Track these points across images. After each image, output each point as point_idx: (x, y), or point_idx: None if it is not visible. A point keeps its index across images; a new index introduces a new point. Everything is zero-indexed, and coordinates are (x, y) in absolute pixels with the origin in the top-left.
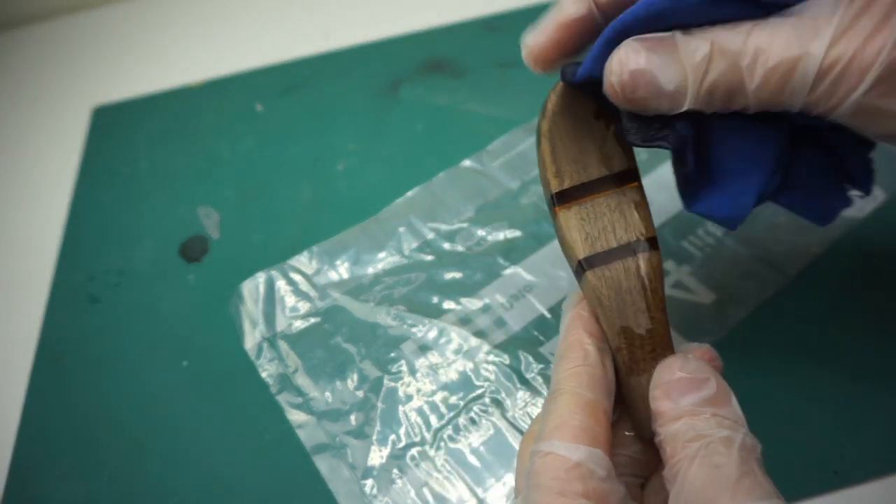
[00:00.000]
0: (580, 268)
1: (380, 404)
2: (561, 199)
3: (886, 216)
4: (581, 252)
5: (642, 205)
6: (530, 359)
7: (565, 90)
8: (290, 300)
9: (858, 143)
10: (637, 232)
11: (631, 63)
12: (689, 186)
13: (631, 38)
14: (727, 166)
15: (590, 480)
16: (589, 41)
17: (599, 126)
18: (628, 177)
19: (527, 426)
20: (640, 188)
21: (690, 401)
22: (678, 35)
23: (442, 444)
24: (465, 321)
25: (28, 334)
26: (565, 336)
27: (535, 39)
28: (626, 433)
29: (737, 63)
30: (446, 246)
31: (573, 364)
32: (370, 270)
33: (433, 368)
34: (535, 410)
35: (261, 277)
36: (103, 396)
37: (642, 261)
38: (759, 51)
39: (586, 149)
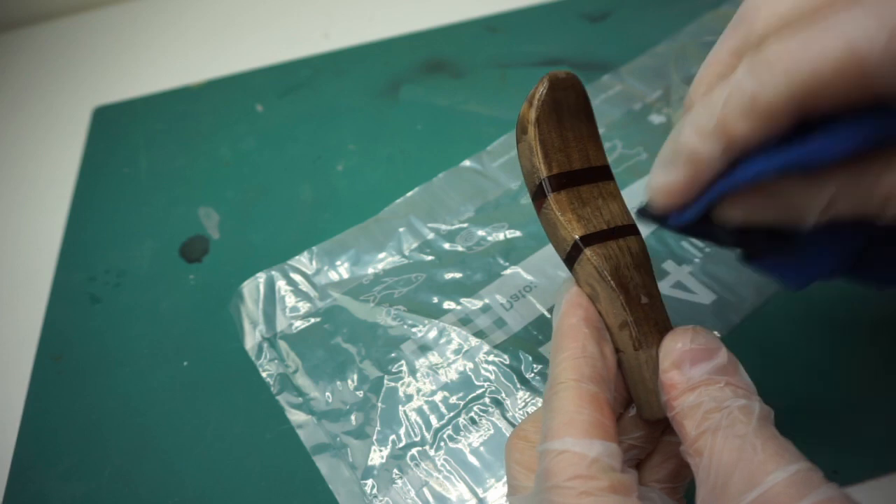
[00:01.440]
0: (576, 248)
1: (380, 404)
2: (551, 184)
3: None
4: (578, 230)
5: (619, 198)
6: (530, 359)
7: (553, 83)
8: (291, 300)
9: None
10: (621, 219)
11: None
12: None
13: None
14: (808, 252)
15: (611, 474)
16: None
17: (579, 122)
18: (605, 173)
19: None
20: (615, 184)
21: (703, 371)
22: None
23: (442, 444)
24: (465, 321)
25: (29, 334)
26: (560, 324)
27: (667, 177)
28: (629, 417)
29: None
30: (446, 246)
31: (572, 355)
32: (370, 270)
33: (433, 368)
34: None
35: (261, 277)
36: (103, 396)
37: (632, 242)
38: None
39: (568, 141)
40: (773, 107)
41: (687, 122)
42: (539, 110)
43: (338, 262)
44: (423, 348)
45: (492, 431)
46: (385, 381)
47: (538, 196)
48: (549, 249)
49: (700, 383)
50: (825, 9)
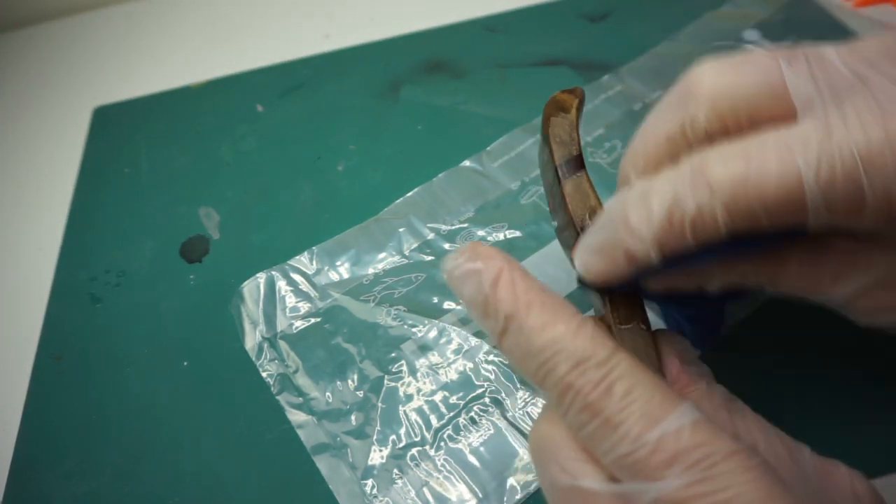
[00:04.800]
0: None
1: (380, 404)
2: (582, 160)
3: None
4: (599, 213)
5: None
6: None
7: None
8: (291, 300)
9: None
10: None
11: None
12: None
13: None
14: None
15: (696, 433)
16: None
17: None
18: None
19: (527, 426)
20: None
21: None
22: None
23: (442, 444)
24: (465, 321)
25: (29, 334)
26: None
27: (600, 265)
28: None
29: None
30: (446, 246)
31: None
32: (370, 270)
33: (433, 368)
34: (536, 410)
35: (261, 278)
36: (104, 396)
37: None
38: None
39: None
40: (708, 230)
41: (623, 218)
42: (580, 97)
43: (338, 262)
44: (423, 348)
45: (492, 431)
46: (385, 381)
47: (572, 166)
48: (550, 249)
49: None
50: (767, 104)
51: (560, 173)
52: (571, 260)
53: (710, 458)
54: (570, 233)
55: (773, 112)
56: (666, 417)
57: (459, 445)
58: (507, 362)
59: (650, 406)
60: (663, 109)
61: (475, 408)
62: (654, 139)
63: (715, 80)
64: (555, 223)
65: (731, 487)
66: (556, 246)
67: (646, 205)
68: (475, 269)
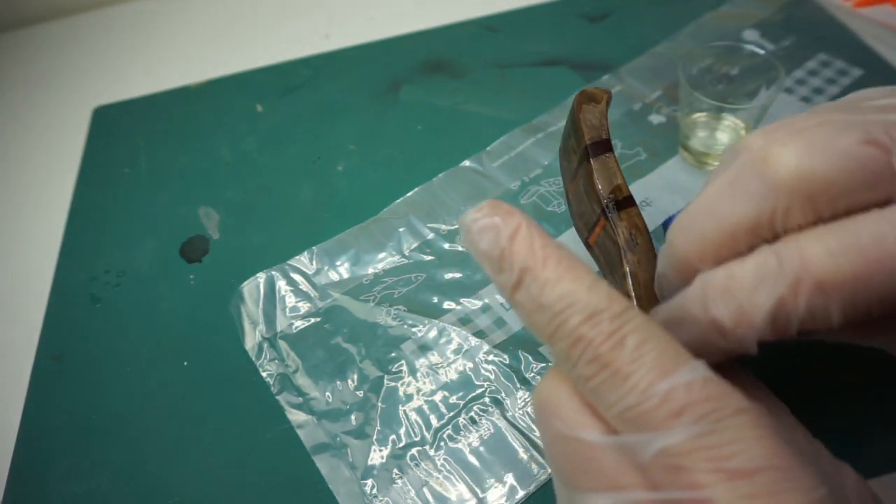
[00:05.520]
0: (629, 198)
1: (380, 404)
2: (607, 145)
3: None
4: (624, 191)
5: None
6: (530, 359)
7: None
8: (291, 300)
9: None
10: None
11: None
12: None
13: None
14: None
15: (706, 387)
16: None
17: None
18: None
19: (526, 426)
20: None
21: None
22: None
23: (442, 443)
24: (465, 321)
25: (29, 334)
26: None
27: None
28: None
29: None
30: (446, 246)
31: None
32: (370, 270)
33: (433, 368)
34: None
35: (261, 277)
36: (104, 396)
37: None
38: None
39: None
40: (819, 326)
41: (710, 319)
42: (609, 95)
43: (338, 262)
44: (423, 348)
45: (492, 431)
46: (385, 381)
47: (601, 148)
48: None
49: None
50: (867, 194)
51: (590, 152)
52: (584, 241)
53: (718, 412)
54: (593, 207)
55: (872, 199)
56: (677, 370)
57: (459, 445)
58: (506, 363)
59: (662, 359)
60: (730, 194)
61: (475, 408)
62: (727, 228)
63: (800, 166)
64: (569, 202)
65: (736, 442)
66: None
67: (736, 304)
68: (494, 223)
